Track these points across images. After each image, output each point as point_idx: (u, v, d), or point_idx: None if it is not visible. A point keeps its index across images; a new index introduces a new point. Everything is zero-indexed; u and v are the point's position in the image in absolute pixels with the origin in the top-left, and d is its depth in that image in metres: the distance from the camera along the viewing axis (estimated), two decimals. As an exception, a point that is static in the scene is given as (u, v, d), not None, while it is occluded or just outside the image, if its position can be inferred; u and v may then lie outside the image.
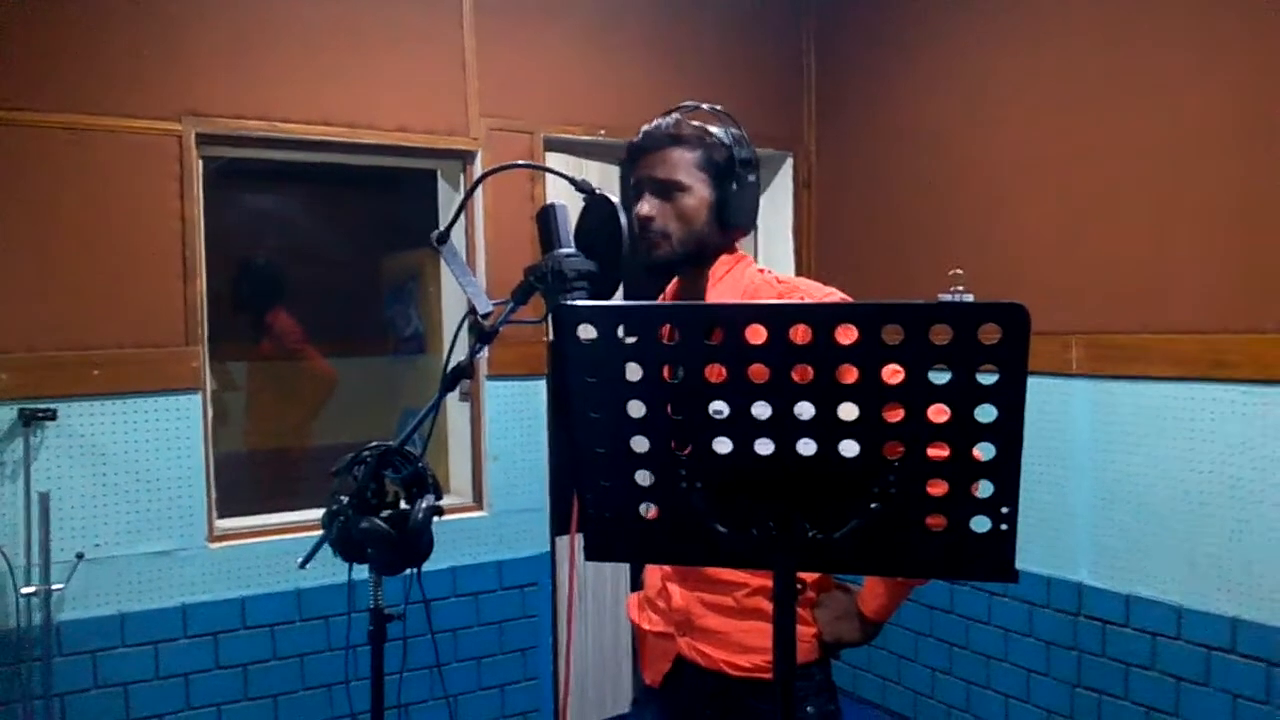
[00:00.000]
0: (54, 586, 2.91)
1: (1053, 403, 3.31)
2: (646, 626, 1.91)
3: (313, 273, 5.26)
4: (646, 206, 1.77)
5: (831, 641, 1.81)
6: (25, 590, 2.88)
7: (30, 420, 2.89)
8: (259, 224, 5.11)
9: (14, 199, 2.92)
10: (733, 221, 1.80)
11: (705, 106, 1.88)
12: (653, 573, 1.92)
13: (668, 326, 1.15)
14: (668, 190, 1.77)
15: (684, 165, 1.77)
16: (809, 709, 1.78)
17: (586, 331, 1.15)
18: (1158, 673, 3.04)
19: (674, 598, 1.84)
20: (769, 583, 1.72)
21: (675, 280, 1.90)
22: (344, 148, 3.47)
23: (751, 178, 1.81)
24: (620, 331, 1.14)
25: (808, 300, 1.72)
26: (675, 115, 1.82)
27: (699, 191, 1.77)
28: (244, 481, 4.11)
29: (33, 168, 2.94)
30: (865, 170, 4.13)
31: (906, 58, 3.91)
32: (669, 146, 1.77)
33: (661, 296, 1.95)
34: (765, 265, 1.94)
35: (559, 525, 3.79)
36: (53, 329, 2.96)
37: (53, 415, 2.93)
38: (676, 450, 1.17)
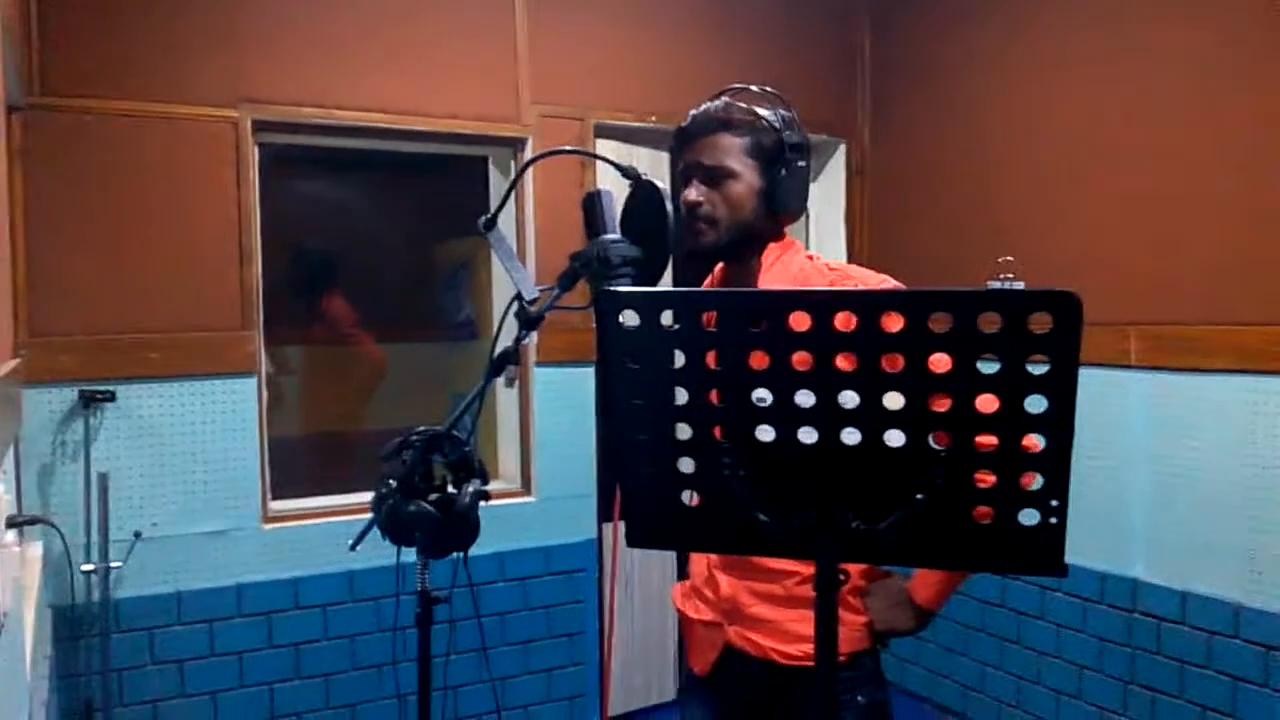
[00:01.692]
0: (112, 564, 2.99)
1: (1109, 395, 3.24)
2: (694, 615, 1.91)
3: (366, 259, 5.33)
4: (694, 193, 1.76)
5: (883, 630, 1.79)
6: (85, 568, 2.95)
7: (90, 402, 2.97)
8: (313, 210, 5.17)
9: (74, 185, 2.99)
10: (782, 208, 1.77)
11: (754, 88, 1.85)
12: (699, 561, 1.92)
13: (711, 313, 1.14)
14: (716, 176, 1.75)
15: (732, 151, 1.75)
16: (859, 698, 1.76)
17: (629, 317, 1.15)
18: (1214, 672, 2.97)
19: (722, 586, 1.83)
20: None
21: (720, 266, 1.88)
22: (397, 134, 3.50)
23: (801, 163, 1.78)
24: (663, 318, 1.14)
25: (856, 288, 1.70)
26: (724, 99, 1.80)
27: (747, 178, 1.75)
28: (297, 464, 4.18)
29: (92, 154, 3.01)
30: (919, 157, 4.07)
31: (962, 43, 3.85)
32: (717, 132, 1.75)
33: (707, 282, 1.93)
34: (816, 252, 1.91)
35: (606, 512, 3.80)
36: (112, 313, 3.03)
37: (112, 397, 3.00)
38: (720, 438, 1.16)
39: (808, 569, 1.72)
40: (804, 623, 1.74)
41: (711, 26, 3.98)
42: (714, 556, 1.86)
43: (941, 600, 1.75)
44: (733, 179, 1.75)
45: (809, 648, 1.72)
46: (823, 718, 1.21)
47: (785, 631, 1.76)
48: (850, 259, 4.23)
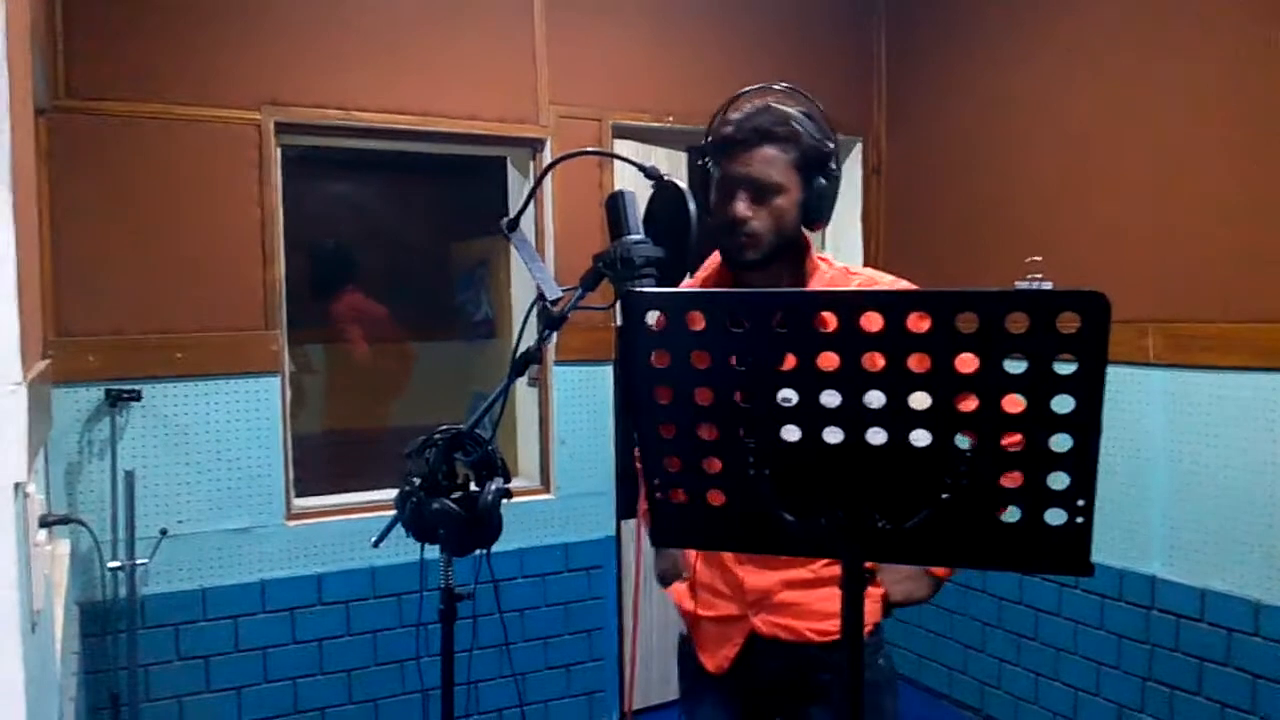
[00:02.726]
0: (139, 561, 3.02)
1: (1128, 392, 3.24)
2: (705, 613, 1.91)
3: (386, 259, 5.36)
4: (741, 207, 1.74)
5: (902, 600, 1.84)
6: (112, 564, 2.99)
7: (117, 401, 3.00)
8: (334, 210, 5.21)
9: (98, 187, 3.02)
10: (818, 217, 1.78)
11: (779, 86, 1.82)
12: (703, 559, 1.92)
13: (735, 313, 1.15)
14: (763, 191, 1.74)
15: (778, 165, 1.73)
16: (880, 661, 1.85)
17: (654, 318, 1.16)
18: (1233, 669, 2.97)
19: (746, 580, 1.84)
20: None
21: (718, 263, 1.86)
22: (417, 136, 3.52)
23: (838, 172, 1.79)
24: (689, 318, 1.15)
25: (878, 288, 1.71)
26: (763, 103, 1.77)
27: (792, 192, 1.75)
28: (317, 462, 4.21)
29: (116, 157, 3.04)
30: (936, 156, 4.07)
31: (979, 40, 3.84)
32: (763, 144, 1.74)
33: (700, 277, 1.90)
34: (832, 254, 1.92)
35: (625, 509, 3.82)
36: (138, 313, 3.07)
37: (138, 396, 3.03)
38: (744, 437, 1.17)
39: None
40: (830, 600, 1.78)
41: (728, 26, 3.98)
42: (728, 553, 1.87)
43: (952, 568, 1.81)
44: (779, 193, 1.74)
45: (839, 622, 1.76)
46: (851, 709, 1.23)
47: (814, 611, 1.81)
48: (866, 259, 4.23)
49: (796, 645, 1.82)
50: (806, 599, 1.81)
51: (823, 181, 1.76)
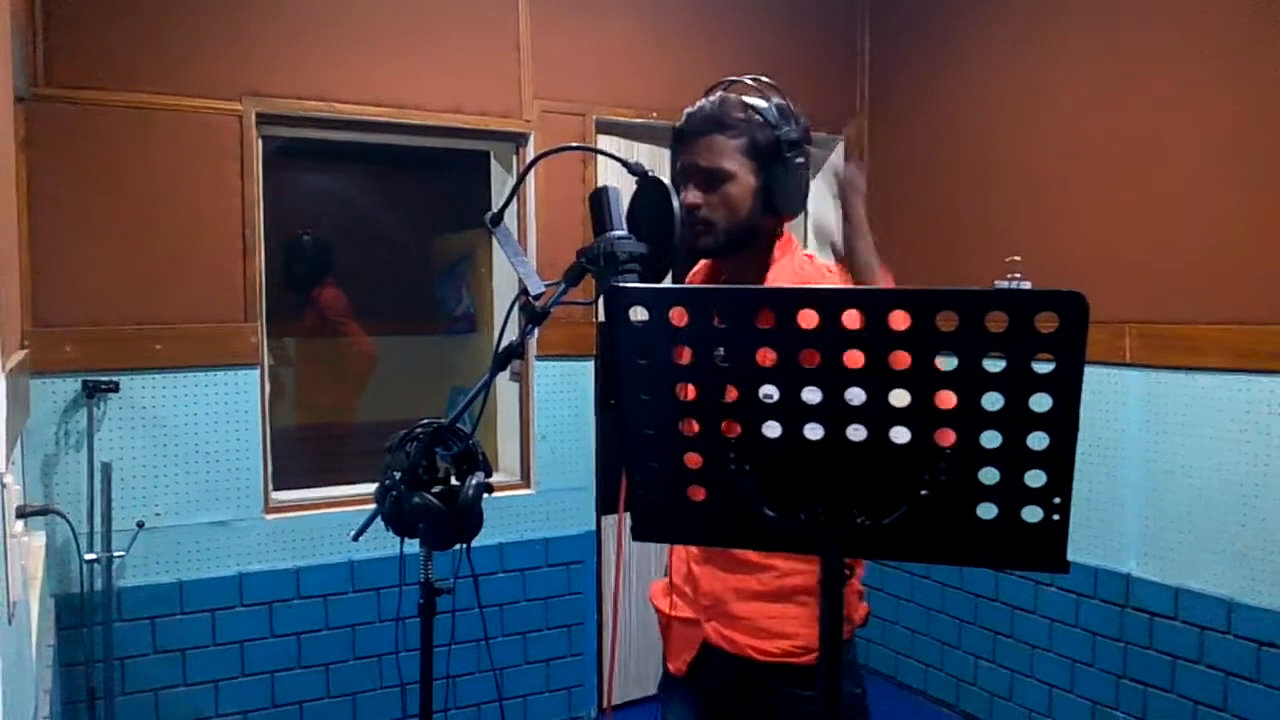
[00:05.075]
0: (115, 554, 3.00)
1: (1105, 392, 3.27)
2: (671, 613, 1.90)
3: (367, 251, 5.34)
4: (691, 196, 1.74)
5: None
6: (88, 557, 2.96)
7: (94, 392, 2.97)
8: (315, 203, 5.18)
9: (79, 176, 2.99)
10: (781, 206, 1.75)
11: (749, 79, 1.80)
12: (678, 558, 1.91)
13: (719, 309, 1.16)
14: (712, 179, 1.73)
15: (728, 152, 1.72)
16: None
17: (638, 314, 1.16)
18: (1206, 667, 3.01)
19: (702, 583, 1.83)
20: (799, 565, 1.72)
21: (705, 262, 1.87)
22: (399, 128, 3.51)
23: (800, 160, 1.75)
24: (672, 314, 1.15)
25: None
26: (719, 94, 1.77)
27: (744, 179, 1.73)
28: (295, 455, 4.19)
29: (98, 146, 3.01)
30: (917, 155, 4.08)
31: (961, 42, 3.86)
32: (712, 133, 1.73)
33: (690, 277, 1.93)
34: (814, 252, 1.92)
35: (605, 504, 3.82)
36: (116, 304, 3.04)
37: (115, 387, 3.01)
38: (726, 433, 1.17)
39: (786, 563, 1.74)
40: (781, 619, 1.75)
41: (712, 23, 3.98)
42: (694, 551, 1.85)
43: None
44: (729, 181, 1.72)
45: (786, 644, 1.75)
46: (825, 712, 1.24)
47: (762, 629, 1.76)
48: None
49: (740, 660, 1.78)
50: (756, 614, 1.77)
51: (781, 169, 1.73)
